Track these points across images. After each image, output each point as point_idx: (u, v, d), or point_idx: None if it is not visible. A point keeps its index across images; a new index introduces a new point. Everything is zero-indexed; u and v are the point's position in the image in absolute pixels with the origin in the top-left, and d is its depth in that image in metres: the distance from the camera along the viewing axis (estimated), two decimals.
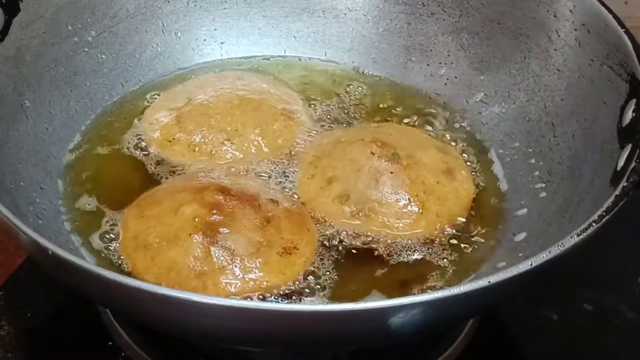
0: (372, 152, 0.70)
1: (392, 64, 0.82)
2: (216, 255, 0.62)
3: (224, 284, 0.62)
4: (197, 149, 0.73)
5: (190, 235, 0.63)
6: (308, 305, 0.57)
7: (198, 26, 0.83)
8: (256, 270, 0.63)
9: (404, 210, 0.68)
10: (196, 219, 0.64)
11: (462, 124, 0.78)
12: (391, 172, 0.69)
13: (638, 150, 0.60)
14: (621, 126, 0.64)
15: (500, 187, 0.73)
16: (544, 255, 0.53)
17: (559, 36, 0.74)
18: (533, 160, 0.72)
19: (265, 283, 0.63)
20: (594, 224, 0.55)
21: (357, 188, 0.69)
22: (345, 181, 0.70)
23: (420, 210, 0.68)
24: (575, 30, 0.72)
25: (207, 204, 0.64)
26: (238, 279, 0.62)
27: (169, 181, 0.71)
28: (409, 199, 0.69)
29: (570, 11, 0.73)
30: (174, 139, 0.74)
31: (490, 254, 0.67)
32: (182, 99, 0.76)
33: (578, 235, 0.54)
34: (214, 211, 0.64)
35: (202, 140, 0.73)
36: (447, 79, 0.80)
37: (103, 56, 0.79)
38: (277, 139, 0.74)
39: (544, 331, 0.72)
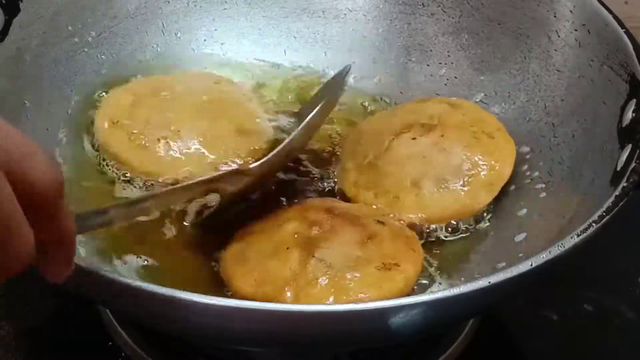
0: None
1: (392, 64, 0.82)
2: (312, 267, 0.61)
3: (317, 296, 0.60)
4: (132, 138, 0.71)
5: (288, 248, 0.62)
6: (308, 305, 0.57)
7: (198, 26, 0.83)
8: (351, 283, 0.61)
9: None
10: (296, 235, 0.63)
11: None
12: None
13: (638, 151, 0.60)
14: (621, 126, 0.64)
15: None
16: (544, 256, 0.53)
17: (559, 36, 0.74)
18: (533, 160, 0.72)
19: (359, 295, 0.61)
20: (594, 224, 0.55)
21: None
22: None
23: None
24: (575, 30, 0.72)
25: (309, 221, 0.64)
26: (332, 292, 0.61)
27: None
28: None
29: (570, 11, 0.73)
30: (117, 121, 0.73)
31: (489, 253, 0.67)
32: (151, 87, 0.76)
33: (578, 235, 0.54)
34: (315, 227, 0.64)
35: (141, 131, 0.72)
36: (447, 79, 0.80)
37: (103, 56, 0.79)
38: (218, 151, 0.72)
39: (544, 331, 0.72)
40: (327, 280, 0.61)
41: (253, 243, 0.65)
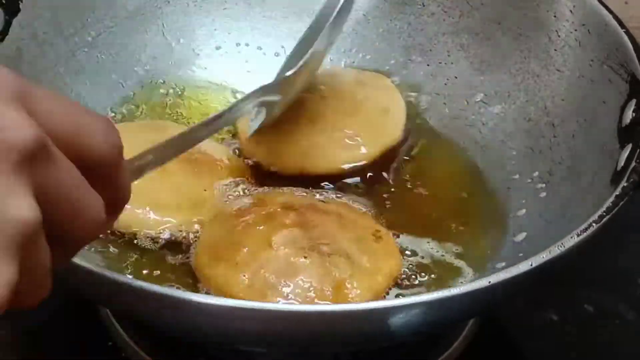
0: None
1: (392, 64, 0.82)
2: (336, 267, 0.61)
3: (363, 289, 0.61)
4: None
5: (305, 257, 0.62)
6: (308, 305, 0.57)
7: (198, 26, 0.83)
8: (372, 263, 0.62)
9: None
10: (296, 244, 0.62)
11: (462, 124, 0.78)
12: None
13: (638, 150, 0.60)
14: (621, 126, 0.64)
15: (499, 187, 0.73)
16: (544, 256, 0.53)
17: (559, 36, 0.74)
18: (533, 160, 0.72)
19: (386, 270, 0.63)
20: (594, 224, 0.55)
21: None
22: None
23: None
24: (575, 30, 0.72)
25: (291, 224, 0.63)
26: (367, 278, 0.62)
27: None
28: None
29: (570, 11, 0.73)
30: None
31: (490, 254, 0.67)
32: None
33: (578, 235, 0.54)
34: (304, 228, 0.63)
35: None
36: (447, 79, 0.80)
37: (103, 56, 0.78)
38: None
39: (544, 332, 0.72)
40: (353, 271, 0.61)
41: (259, 270, 0.61)
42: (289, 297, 0.60)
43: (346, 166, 0.73)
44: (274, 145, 0.73)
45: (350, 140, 0.73)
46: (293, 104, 0.72)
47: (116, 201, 0.41)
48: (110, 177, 0.40)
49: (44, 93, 0.37)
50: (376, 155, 0.73)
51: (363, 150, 0.73)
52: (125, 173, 0.41)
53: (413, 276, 0.65)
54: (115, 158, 0.39)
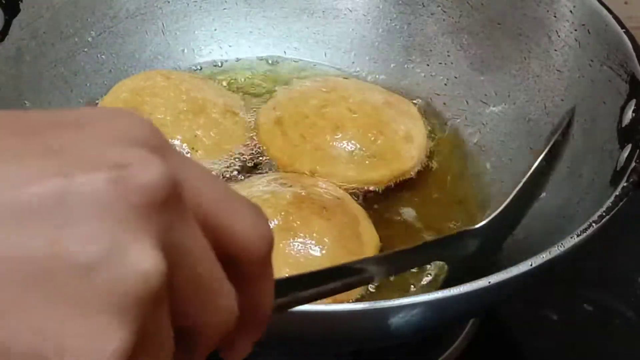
0: None
1: (392, 64, 0.82)
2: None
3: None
4: None
5: None
6: (308, 305, 0.57)
7: (198, 26, 0.83)
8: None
9: None
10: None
11: (462, 124, 0.78)
12: None
13: (638, 150, 0.60)
14: (621, 126, 0.64)
15: (500, 188, 0.73)
16: (544, 256, 0.53)
17: (559, 36, 0.74)
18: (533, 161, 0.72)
19: None
20: (594, 224, 0.55)
21: None
22: None
23: None
24: (575, 30, 0.72)
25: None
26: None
27: None
28: None
29: (570, 11, 0.73)
30: None
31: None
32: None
33: (578, 235, 0.54)
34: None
35: None
36: (447, 79, 0.80)
37: (103, 56, 0.79)
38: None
39: (544, 331, 0.72)
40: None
41: None
42: None
43: (352, 186, 0.72)
44: (290, 146, 0.73)
45: (367, 160, 0.72)
46: (318, 109, 0.73)
47: (253, 313, 0.33)
48: (251, 277, 0.32)
49: (185, 157, 0.30)
50: (385, 182, 0.72)
51: (375, 175, 0.72)
52: (271, 278, 0.33)
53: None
54: (263, 254, 0.31)
